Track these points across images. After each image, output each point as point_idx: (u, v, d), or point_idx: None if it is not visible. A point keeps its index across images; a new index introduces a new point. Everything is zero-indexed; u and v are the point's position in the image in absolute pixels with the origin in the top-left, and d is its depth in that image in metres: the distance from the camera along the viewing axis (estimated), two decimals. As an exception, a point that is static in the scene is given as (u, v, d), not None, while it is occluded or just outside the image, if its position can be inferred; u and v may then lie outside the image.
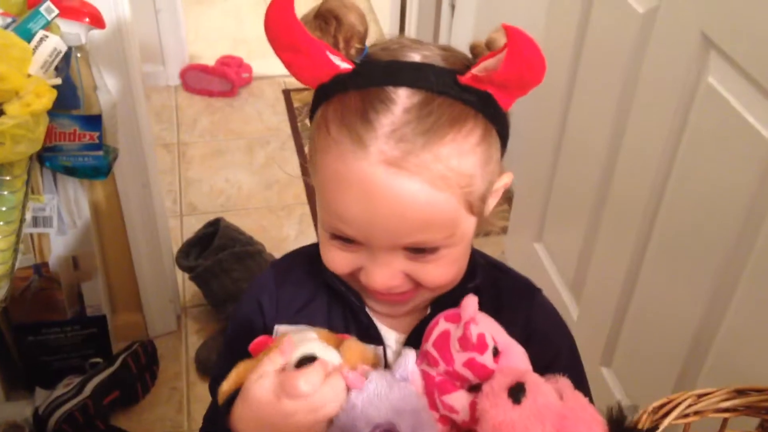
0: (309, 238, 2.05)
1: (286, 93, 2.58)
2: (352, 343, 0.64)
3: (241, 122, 2.47)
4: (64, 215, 1.36)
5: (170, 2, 2.45)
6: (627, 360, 1.36)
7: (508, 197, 2.11)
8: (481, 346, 0.61)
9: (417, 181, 0.57)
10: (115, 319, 1.65)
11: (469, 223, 0.63)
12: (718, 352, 1.08)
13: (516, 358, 0.63)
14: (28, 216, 1.22)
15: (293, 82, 2.61)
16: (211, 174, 2.25)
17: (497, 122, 0.62)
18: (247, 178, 2.24)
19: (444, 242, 0.62)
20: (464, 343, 0.61)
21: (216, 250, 1.71)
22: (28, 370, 1.53)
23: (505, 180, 0.66)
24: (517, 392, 0.57)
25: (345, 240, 0.63)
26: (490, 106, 0.61)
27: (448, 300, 0.66)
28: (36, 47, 1.04)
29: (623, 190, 1.32)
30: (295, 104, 2.53)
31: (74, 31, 1.15)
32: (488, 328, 0.62)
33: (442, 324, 0.63)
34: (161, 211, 1.62)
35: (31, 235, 1.36)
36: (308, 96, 0.67)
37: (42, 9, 1.08)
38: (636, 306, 1.31)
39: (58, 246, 1.43)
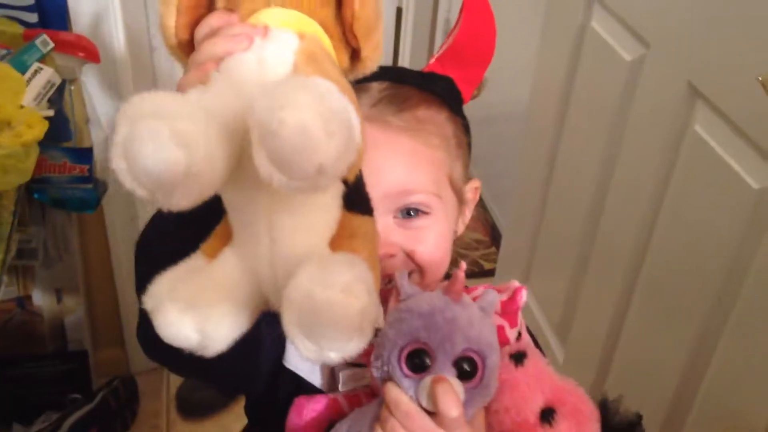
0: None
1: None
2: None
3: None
4: (50, 248, 1.35)
5: (164, 40, 2.48)
6: (613, 405, 1.35)
7: (496, 240, 2.11)
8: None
9: (401, 132, 0.65)
10: (97, 354, 1.63)
11: (452, 200, 0.69)
12: (705, 397, 1.08)
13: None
14: (14, 248, 1.21)
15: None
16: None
17: (461, 115, 0.70)
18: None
19: (432, 202, 0.65)
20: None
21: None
22: (6, 404, 1.50)
23: (476, 184, 0.73)
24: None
25: None
26: (453, 94, 0.69)
27: None
28: (30, 79, 1.05)
29: (610, 235, 1.33)
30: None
31: (69, 64, 1.16)
32: None
33: None
34: (148, 245, 1.61)
35: (16, 267, 1.34)
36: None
37: (38, 42, 1.08)
38: (622, 350, 1.30)
39: (42, 279, 1.41)
